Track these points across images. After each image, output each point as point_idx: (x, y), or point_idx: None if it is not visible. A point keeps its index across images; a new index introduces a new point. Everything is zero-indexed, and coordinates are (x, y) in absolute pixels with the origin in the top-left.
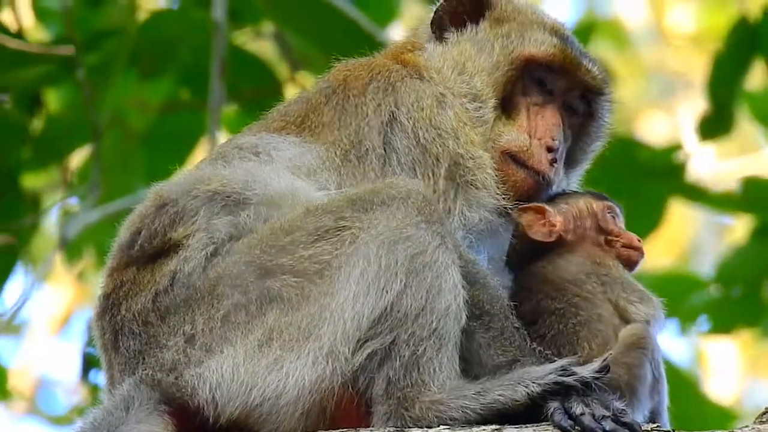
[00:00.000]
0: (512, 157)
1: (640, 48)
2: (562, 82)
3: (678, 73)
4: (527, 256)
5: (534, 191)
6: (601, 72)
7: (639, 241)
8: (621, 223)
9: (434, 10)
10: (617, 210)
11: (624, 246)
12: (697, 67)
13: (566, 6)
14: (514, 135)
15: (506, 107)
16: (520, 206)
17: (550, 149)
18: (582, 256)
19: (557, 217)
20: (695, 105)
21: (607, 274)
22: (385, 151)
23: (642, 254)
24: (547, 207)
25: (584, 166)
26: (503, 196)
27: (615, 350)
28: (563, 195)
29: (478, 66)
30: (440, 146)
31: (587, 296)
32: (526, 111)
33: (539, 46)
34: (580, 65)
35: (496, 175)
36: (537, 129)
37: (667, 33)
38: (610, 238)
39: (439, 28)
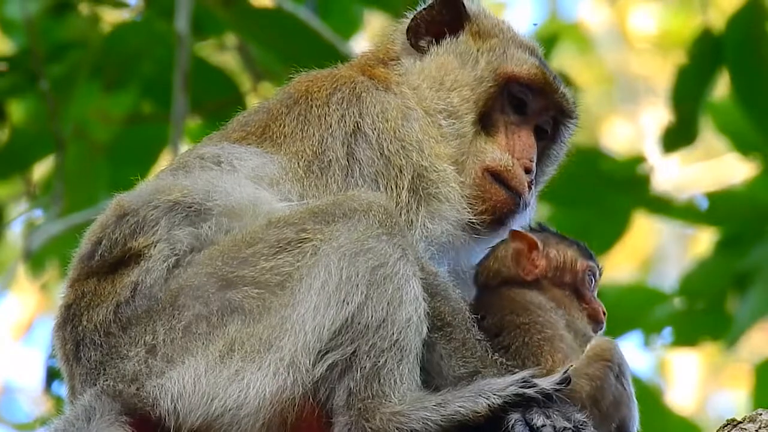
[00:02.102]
0: (495, 176)
1: (603, 51)
2: (539, 103)
3: (641, 76)
4: (495, 282)
5: (511, 212)
6: (573, 96)
7: (604, 314)
8: (596, 285)
9: (411, 16)
10: (597, 272)
11: (588, 315)
12: (661, 71)
13: (529, 9)
14: (498, 154)
15: (485, 123)
16: (516, 231)
17: (527, 170)
18: (549, 298)
19: (542, 260)
20: (658, 110)
21: (572, 322)
22: (348, 162)
23: (601, 328)
24: (539, 244)
25: (539, 188)
26: (468, 210)
27: (578, 362)
28: (556, 237)
29: (460, 80)
30: (404, 158)
31: (551, 322)
32: (504, 129)
33: (522, 65)
34: (557, 88)
35: (474, 192)
36: (515, 149)
37: (630, 36)
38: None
39: (415, 35)
